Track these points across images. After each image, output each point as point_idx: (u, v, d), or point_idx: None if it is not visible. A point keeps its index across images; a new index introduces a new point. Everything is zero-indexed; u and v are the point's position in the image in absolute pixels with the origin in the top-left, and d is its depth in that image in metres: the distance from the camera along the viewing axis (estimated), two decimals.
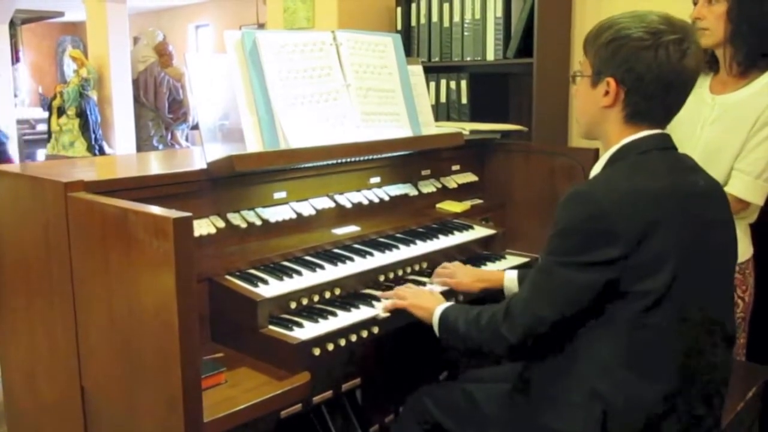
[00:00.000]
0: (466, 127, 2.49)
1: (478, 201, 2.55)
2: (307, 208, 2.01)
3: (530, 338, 1.44)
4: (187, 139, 7.34)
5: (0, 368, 2.01)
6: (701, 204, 1.42)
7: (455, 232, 2.26)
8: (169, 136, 7.09)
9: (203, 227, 1.77)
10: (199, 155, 2.00)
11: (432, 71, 3.17)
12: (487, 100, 3.17)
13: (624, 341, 1.36)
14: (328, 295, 1.82)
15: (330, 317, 1.71)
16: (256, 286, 1.70)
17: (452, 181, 2.51)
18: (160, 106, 6.90)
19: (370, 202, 2.18)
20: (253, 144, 1.81)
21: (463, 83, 3.12)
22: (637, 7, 1.49)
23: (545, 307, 1.40)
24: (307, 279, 1.79)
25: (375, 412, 2.22)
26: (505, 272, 1.98)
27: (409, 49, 3.28)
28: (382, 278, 1.96)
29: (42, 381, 1.80)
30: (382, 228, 2.16)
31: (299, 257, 1.91)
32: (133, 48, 7.28)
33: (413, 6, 3.32)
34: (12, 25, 8.59)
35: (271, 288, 1.71)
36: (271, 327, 1.64)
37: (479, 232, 2.32)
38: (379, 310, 1.77)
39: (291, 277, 1.78)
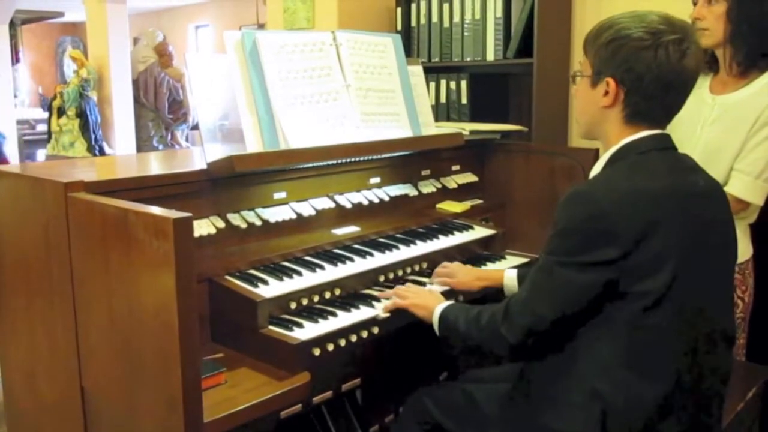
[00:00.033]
0: (466, 128, 2.49)
1: (478, 201, 2.55)
2: (307, 209, 2.01)
3: (530, 338, 1.44)
4: (187, 140, 7.34)
5: (0, 368, 2.01)
6: (701, 204, 1.42)
7: (455, 233, 2.26)
8: (169, 137, 7.10)
9: (203, 228, 1.77)
10: (199, 155, 2.00)
11: (432, 71, 3.17)
12: (487, 100, 3.17)
13: (624, 341, 1.36)
14: (328, 295, 1.82)
15: (330, 317, 1.71)
16: (256, 286, 1.70)
17: (452, 182, 2.51)
18: (160, 106, 6.90)
19: (370, 202, 2.18)
20: (253, 144, 1.81)
21: (463, 83, 3.12)
22: (637, 7, 1.49)
23: (545, 306, 1.40)
24: (307, 279, 1.79)
25: (375, 413, 2.21)
26: (504, 271, 1.98)
27: (409, 50, 3.28)
28: (382, 278, 1.96)
29: (42, 381, 1.80)
30: (382, 228, 2.16)
31: (299, 257, 1.91)
32: (133, 48, 7.29)
33: (413, 6, 3.32)
34: (12, 25, 8.60)
35: (271, 288, 1.71)
36: (271, 327, 1.64)
37: (479, 232, 2.32)
38: (379, 310, 1.77)
39: (291, 277, 1.78)
